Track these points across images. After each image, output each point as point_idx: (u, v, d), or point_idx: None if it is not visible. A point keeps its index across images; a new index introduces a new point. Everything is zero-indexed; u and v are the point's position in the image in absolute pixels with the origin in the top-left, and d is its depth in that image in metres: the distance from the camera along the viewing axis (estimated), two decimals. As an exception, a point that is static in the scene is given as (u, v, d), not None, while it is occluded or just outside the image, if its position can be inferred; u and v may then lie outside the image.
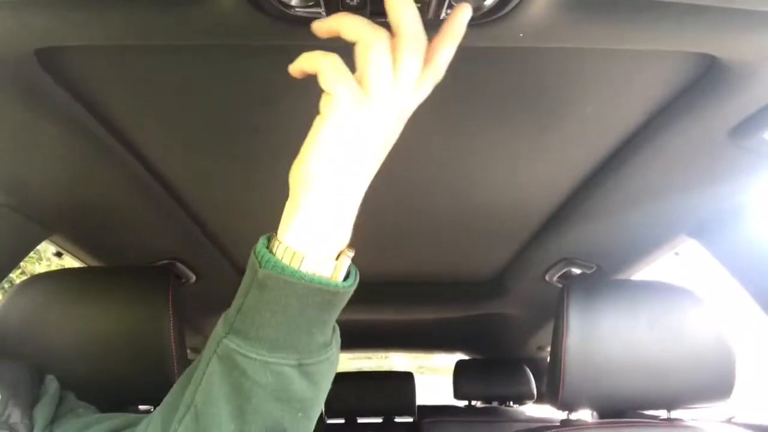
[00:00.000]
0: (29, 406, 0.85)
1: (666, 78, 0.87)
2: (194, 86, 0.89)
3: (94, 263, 1.59)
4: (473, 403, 2.58)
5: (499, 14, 0.66)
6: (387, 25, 0.58)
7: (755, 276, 1.26)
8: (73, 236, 1.45)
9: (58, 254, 1.55)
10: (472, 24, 0.64)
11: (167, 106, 0.94)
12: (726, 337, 1.09)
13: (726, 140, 0.97)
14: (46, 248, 1.54)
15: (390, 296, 2.19)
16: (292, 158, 0.61)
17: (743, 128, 0.93)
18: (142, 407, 1.23)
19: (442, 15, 0.66)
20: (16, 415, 0.83)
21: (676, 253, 1.53)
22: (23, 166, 1.08)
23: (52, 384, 0.91)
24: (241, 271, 2.02)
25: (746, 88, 0.83)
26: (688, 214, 1.31)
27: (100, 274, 1.26)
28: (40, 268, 4.74)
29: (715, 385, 1.10)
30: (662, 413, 1.17)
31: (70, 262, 1.65)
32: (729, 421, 1.62)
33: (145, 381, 1.08)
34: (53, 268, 1.50)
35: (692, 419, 1.17)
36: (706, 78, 0.84)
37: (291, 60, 0.61)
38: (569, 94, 0.92)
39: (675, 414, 1.16)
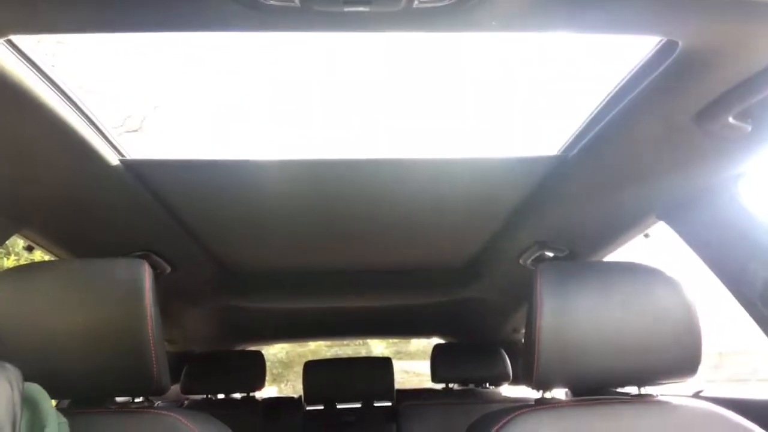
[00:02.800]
0: (11, 421, 0.83)
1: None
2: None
3: (67, 256, 1.57)
4: (451, 385, 2.61)
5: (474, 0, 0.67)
6: (363, 15, 0.58)
7: (720, 255, 1.30)
8: (44, 230, 1.43)
9: (29, 248, 1.53)
10: (448, 9, 0.65)
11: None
12: (693, 315, 1.12)
13: (691, 124, 0.99)
14: (15, 242, 1.51)
15: (366, 284, 2.20)
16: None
17: (708, 112, 0.95)
18: (119, 399, 1.22)
19: (415, 3, 0.66)
20: None
21: (646, 235, 1.56)
22: None
23: (35, 394, 0.90)
24: (216, 261, 2.02)
25: (710, 73, 0.86)
26: (656, 197, 1.34)
27: (75, 267, 1.24)
28: (9, 263, 4.63)
29: (683, 362, 1.13)
30: (633, 390, 1.21)
31: (41, 256, 1.62)
32: (696, 395, 1.67)
33: (124, 372, 1.08)
34: (23, 262, 1.47)
35: (662, 395, 1.21)
36: (671, 64, 0.86)
37: None
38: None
39: (645, 390, 1.20)
